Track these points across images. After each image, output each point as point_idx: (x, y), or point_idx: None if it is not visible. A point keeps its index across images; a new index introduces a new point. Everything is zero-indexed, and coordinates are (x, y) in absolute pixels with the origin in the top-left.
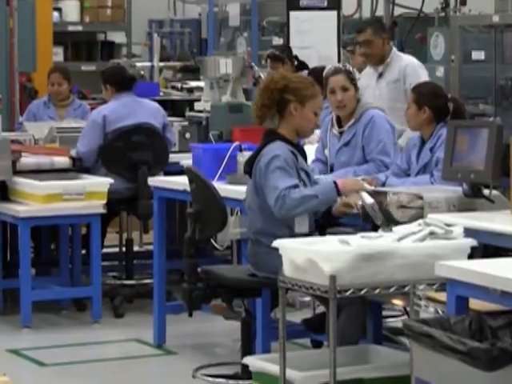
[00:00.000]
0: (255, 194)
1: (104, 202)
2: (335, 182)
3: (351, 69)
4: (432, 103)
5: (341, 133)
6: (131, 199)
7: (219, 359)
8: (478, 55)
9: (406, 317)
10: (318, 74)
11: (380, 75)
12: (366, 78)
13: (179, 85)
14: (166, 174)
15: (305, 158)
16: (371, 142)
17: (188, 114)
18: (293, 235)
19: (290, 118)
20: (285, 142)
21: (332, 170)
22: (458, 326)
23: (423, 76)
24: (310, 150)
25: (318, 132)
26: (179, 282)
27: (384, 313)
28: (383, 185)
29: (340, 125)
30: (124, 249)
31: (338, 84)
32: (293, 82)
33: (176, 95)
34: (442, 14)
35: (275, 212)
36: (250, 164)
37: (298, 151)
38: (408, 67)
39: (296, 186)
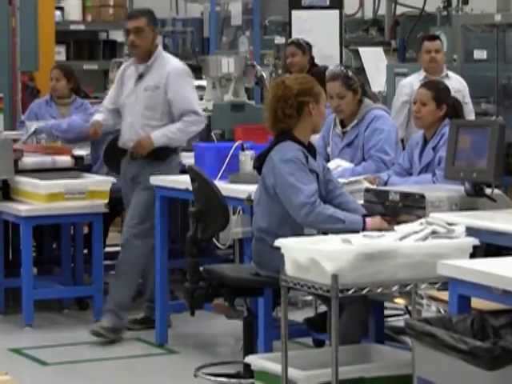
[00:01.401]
0: (264, 193)
1: (106, 201)
2: (364, 218)
3: (350, 74)
4: (449, 100)
5: (344, 133)
6: None
7: (221, 358)
8: (480, 54)
9: (407, 316)
10: (320, 75)
11: (140, 76)
12: (126, 76)
13: None
14: None
15: (314, 155)
16: (370, 140)
17: None
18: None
19: (308, 119)
20: (296, 142)
21: None
22: (460, 325)
23: (188, 86)
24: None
25: None
26: (181, 281)
27: (386, 312)
28: (385, 184)
29: (343, 124)
30: None
31: (334, 91)
32: (303, 84)
33: None
34: (444, 13)
35: (298, 216)
36: (260, 161)
37: (308, 151)
38: (171, 75)
39: (317, 192)
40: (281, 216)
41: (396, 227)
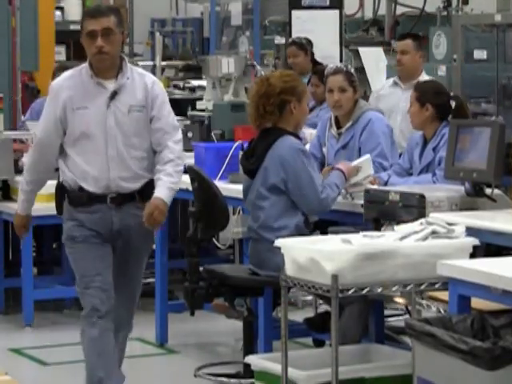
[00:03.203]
0: (265, 191)
1: None
2: (342, 171)
3: (352, 70)
4: (435, 100)
5: (339, 134)
6: None
7: (221, 358)
8: (480, 54)
9: (408, 316)
10: (322, 73)
11: (114, 94)
12: (73, 98)
13: (181, 84)
14: None
15: None
16: (368, 145)
17: (190, 113)
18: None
19: (289, 116)
20: (291, 135)
21: None
22: (460, 325)
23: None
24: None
25: (314, 132)
26: (181, 281)
27: (386, 312)
28: (385, 184)
29: (338, 125)
30: None
31: (336, 84)
32: (287, 82)
33: (178, 94)
34: (444, 13)
35: (316, 207)
36: (257, 162)
37: None
38: (155, 89)
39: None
40: (281, 208)
41: (396, 227)
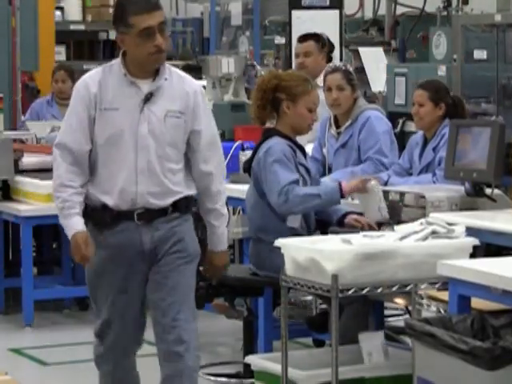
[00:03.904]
0: (255, 190)
1: None
2: (340, 184)
3: (351, 69)
4: (447, 99)
5: (338, 133)
6: None
7: (221, 358)
8: (480, 54)
9: (407, 316)
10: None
11: (149, 96)
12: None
13: None
14: None
15: (304, 155)
16: (367, 142)
17: None
18: (293, 232)
19: (284, 117)
20: (283, 137)
21: (330, 170)
22: (460, 325)
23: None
24: (309, 148)
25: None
26: None
27: (386, 312)
28: (385, 184)
29: (338, 125)
30: None
31: (334, 83)
32: (283, 81)
33: None
34: (444, 13)
35: (276, 207)
36: (249, 162)
37: (296, 147)
38: (198, 96)
39: (297, 181)
40: (270, 210)
41: (396, 227)
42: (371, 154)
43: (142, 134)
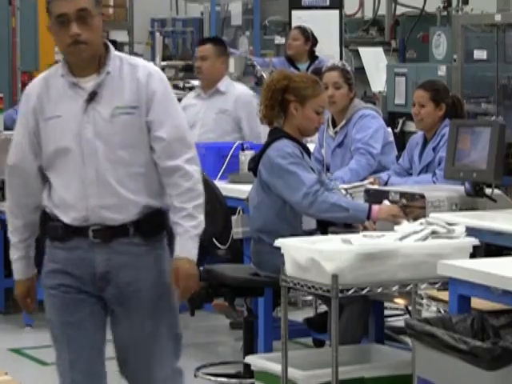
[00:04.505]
0: (260, 190)
1: None
2: (370, 206)
3: (349, 68)
4: (447, 99)
5: (335, 133)
6: None
7: (221, 358)
8: (480, 54)
9: (408, 316)
10: (318, 71)
11: (93, 95)
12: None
13: (181, 84)
14: None
15: (309, 157)
16: (356, 136)
17: None
18: (294, 233)
19: (291, 118)
20: (290, 139)
21: (328, 170)
22: (460, 325)
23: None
24: (311, 148)
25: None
26: None
27: (386, 312)
28: (385, 184)
29: (334, 125)
30: None
31: (331, 80)
32: (293, 82)
33: (178, 94)
34: (444, 13)
35: (298, 206)
36: (255, 161)
37: (303, 149)
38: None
39: (320, 181)
40: (277, 212)
41: (396, 227)
42: (359, 144)
43: (87, 139)
